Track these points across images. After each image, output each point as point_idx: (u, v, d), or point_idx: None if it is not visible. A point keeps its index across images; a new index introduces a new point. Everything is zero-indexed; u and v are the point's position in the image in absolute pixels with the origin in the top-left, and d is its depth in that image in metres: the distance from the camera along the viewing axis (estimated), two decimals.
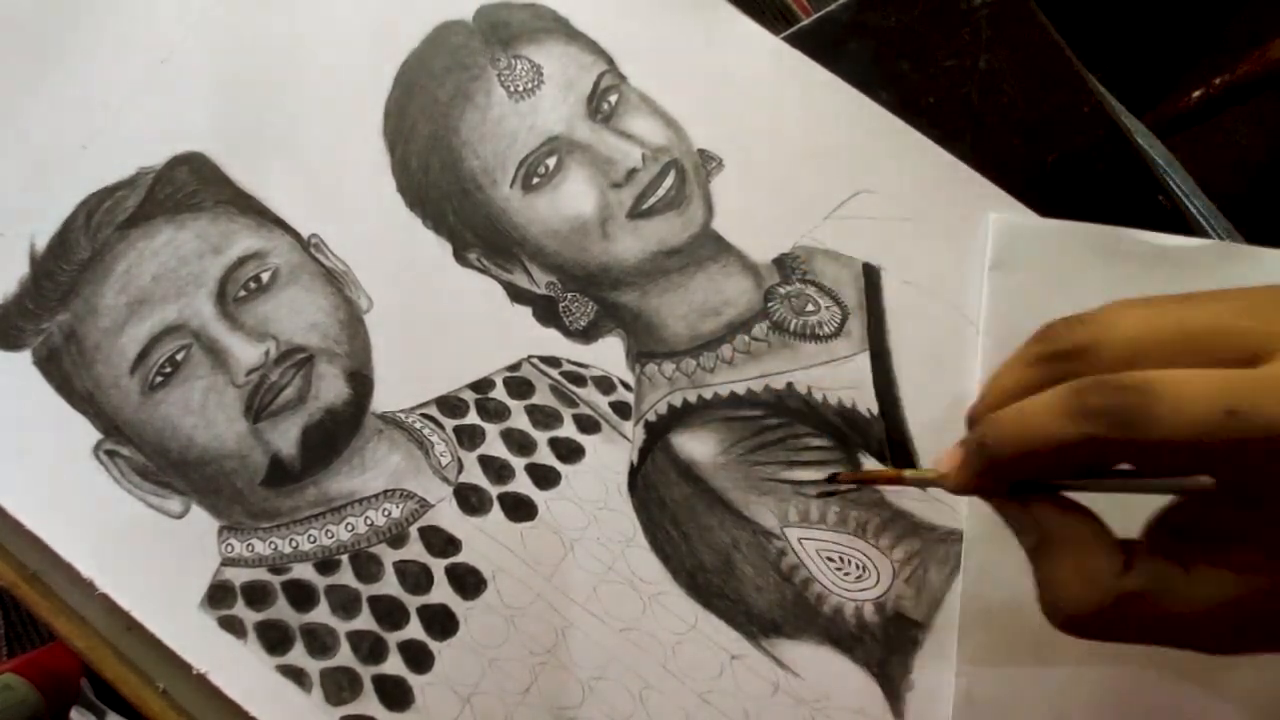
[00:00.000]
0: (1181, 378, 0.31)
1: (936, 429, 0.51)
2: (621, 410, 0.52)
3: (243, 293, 0.51)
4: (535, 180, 0.53)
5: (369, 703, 0.48)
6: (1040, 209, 0.53)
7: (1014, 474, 0.35)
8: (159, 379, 0.50)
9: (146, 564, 0.49)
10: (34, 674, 0.68)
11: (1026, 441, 0.33)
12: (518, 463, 0.51)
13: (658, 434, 0.51)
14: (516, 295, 0.53)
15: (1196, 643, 0.34)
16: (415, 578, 0.50)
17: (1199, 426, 0.30)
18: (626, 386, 0.52)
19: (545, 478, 0.51)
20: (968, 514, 0.50)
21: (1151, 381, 0.31)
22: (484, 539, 0.50)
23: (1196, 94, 0.60)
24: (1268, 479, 0.31)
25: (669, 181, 0.53)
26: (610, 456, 0.51)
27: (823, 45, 0.55)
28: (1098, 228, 0.52)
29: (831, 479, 0.49)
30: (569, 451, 0.51)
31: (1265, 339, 0.31)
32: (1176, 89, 0.61)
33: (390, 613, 0.49)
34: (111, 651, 0.49)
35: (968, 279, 0.53)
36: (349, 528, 0.50)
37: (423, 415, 0.51)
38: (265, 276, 0.52)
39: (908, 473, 0.41)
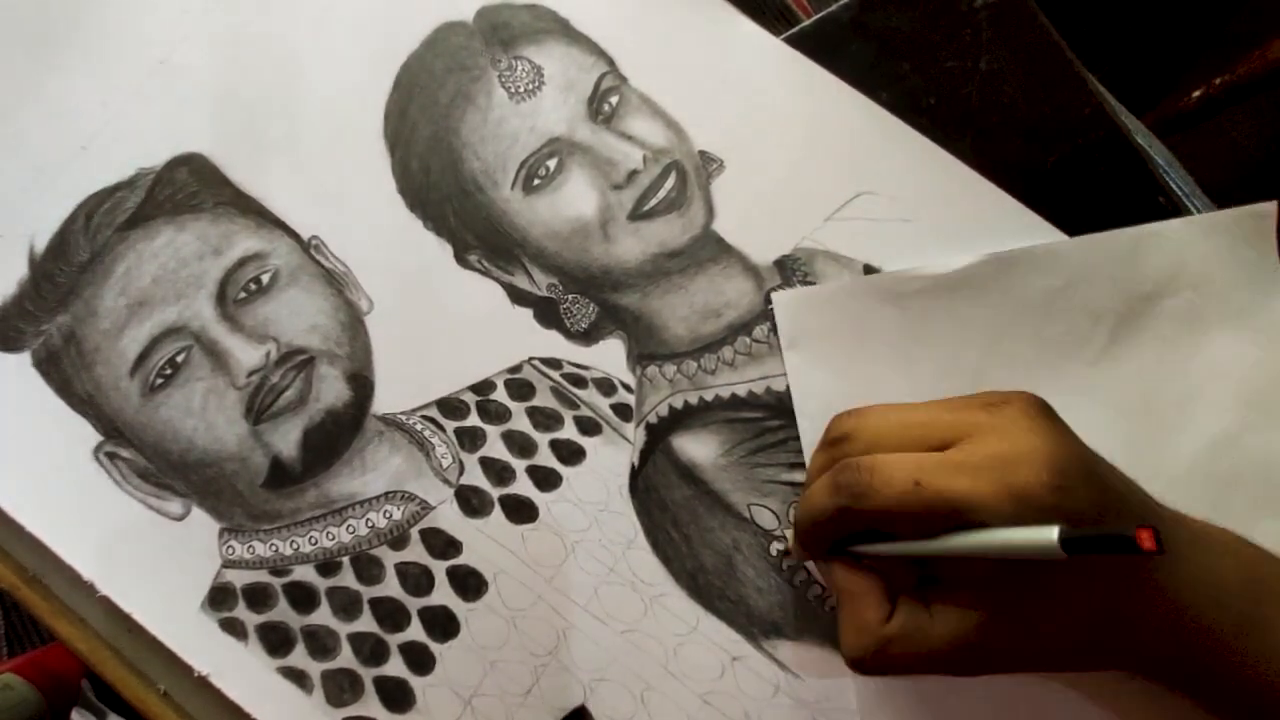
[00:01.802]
0: (891, 459, 0.40)
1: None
2: (622, 412, 0.52)
3: (243, 294, 0.51)
4: (536, 182, 0.53)
5: (370, 704, 0.48)
6: (1041, 209, 0.53)
7: (816, 540, 0.43)
8: (159, 381, 0.50)
9: (147, 566, 0.49)
10: (34, 674, 0.68)
11: (811, 514, 0.43)
12: (519, 464, 0.51)
13: (659, 436, 0.51)
14: (517, 297, 0.52)
15: (949, 669, 0.41)
16: (416, 579, 0.50)
17: (898, 497, 0.39)
18: (627, 388, 0.52)
19: (546, 479, 0.51)
20: None
21: (874, 461, 0.40)
22: (485, 541, 0.50)
23: (1196, 94, 0.59)
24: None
25: (670, 183, 0.53)
26: (611, 458, 0.51)
27: (823, 46, 0.55)
28: (876, 277, 0.52)
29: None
30: (570, 453, 0.51)
31: (953, 429, 0.40)
32: (1176, 89, 0.61)
33: (391, 614, 0.49)
34: (112, 653, 0.49)
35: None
36: (350, 530, 0.50)
37: (424, 417, 0.51)
38: (265, 278, 0.52)
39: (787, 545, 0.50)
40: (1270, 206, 0.49)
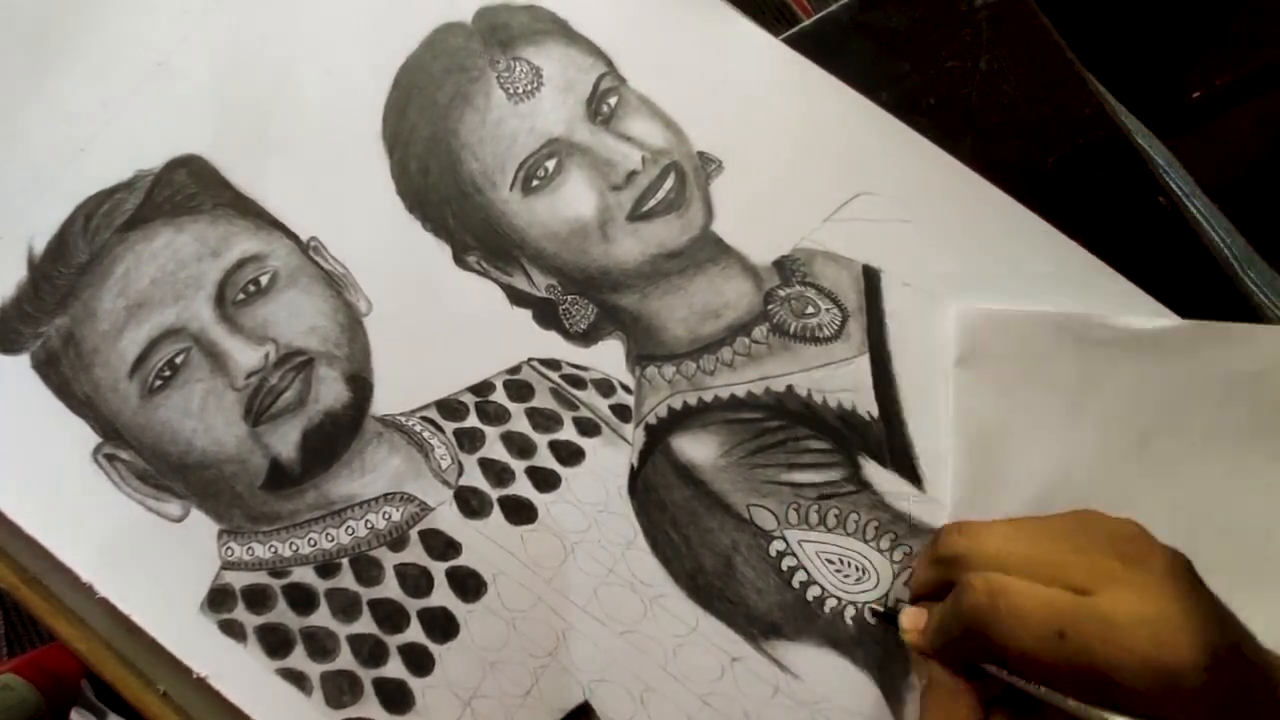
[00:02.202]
0: (1022, 588, 0.38)
1: (936, 432, 0.51)
2: (621, 413, 0.52)
3: (242, 296, 0.51)
4: (535, 183, 0.53)
5: (370, 706, 0.48)
6: (1040, 209, 0.53)
7: (930, 648, 0.43)
8: (158, 382, 0.50)
9: (146, 568, 0.49)
10: (34, 674, 0.68)
11: (932, 632, 0.43)
12: (518, 465, 0.51)
13: (658, 436, 0.51)
14: (516, 298, 0.52)
15: None
16: (416, 581, 0.50)
17: (1037, 643, 0.37)
18: (626, 389, 0.52)
19: (545, 480, 0.51)
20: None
21: (1003, 585, 0.38)
22: (484, 542, 0.50)
23: (1196, 94, 0.59)
24: (1087, 695, 0.36)
25: (669, 184, 0.53)
26: (610, 459, 0.51)
27: (823, 46, 0.55)
28: (1066, 314, 0.51)
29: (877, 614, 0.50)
30: (569, 454, 0.51)
31: (1086, 575, 0.38)
32: (1176, 89, 0.61)
33: (391, 616, 0.49)
34: (112, 653, 0.49)
35: (967, 282, 0.52)
36: (349, 531, 0.50)
37: (423, 418, 0.51)
38: (264, 279, 0.52)
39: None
40: None
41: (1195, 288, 0.52)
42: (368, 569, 0.50)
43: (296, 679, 0.48)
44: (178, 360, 0.50)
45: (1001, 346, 0.50)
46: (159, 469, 0.50)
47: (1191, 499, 0.38)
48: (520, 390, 0.52)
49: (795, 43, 0.55)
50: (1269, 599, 0.42)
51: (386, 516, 0.50)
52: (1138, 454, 0.43)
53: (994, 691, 0.41)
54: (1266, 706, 0.36)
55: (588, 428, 0.52)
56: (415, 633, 0.49)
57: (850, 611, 0.50)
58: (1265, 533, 0.42)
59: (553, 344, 0.52)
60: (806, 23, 0.57)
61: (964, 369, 0.51)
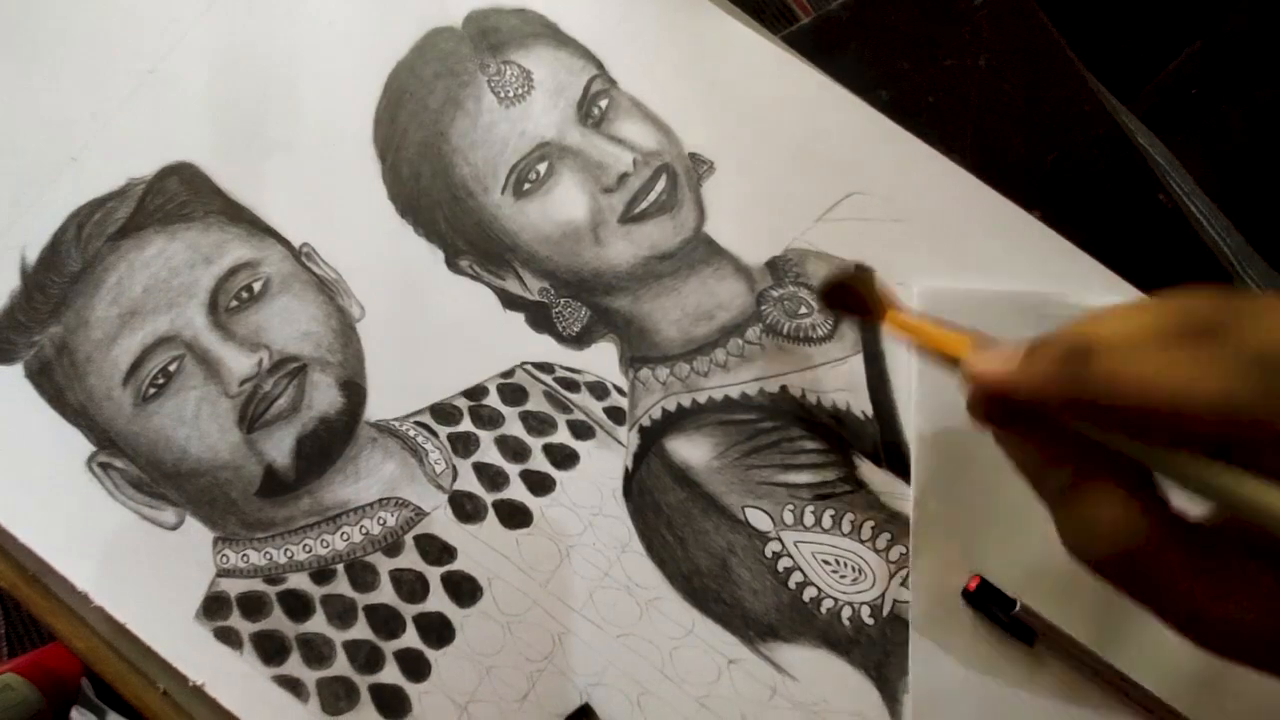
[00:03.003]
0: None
1: (932, 430, 0.51)
2: (616, 415, 0.51)
3: (235, 303, 0.51)
4: (526, 186, 0.52)
5: (366, 712, 0.48)
6: (1039, 207, 0.52)
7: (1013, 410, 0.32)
8: (152, 390, 0.50)
9: (142, 576, 0.49)
10: (34, 674, 0.69)
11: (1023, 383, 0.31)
12: (512, 469, 0.51)
13: (652, 439, 0.51)
14: (509, 302, 0.52)
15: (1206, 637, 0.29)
16: (411, 586, 0.50)
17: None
18: (620, 391, 0.52)
19: (540, 484, 0.51)
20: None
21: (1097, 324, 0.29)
22: (480, 546, 0.50)
23: (1195, 91, 0.59)
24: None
25: (660, 185, 0.52)
26: (605, 462, 0.51)
27: (823, 44, 0.55)
28: (1025, 292, 0.51)
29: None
30: (563, 457, 0.51)
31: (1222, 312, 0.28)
32: (1176, 86, 0.61)
33: (386, 621, 0.49)
34: (112, 652, 0.50)
35: (960, 281, 0.52)
36: (344, 537, 0.50)
37: (417, 423, 0.51)
38: (257, 286, 0.52)
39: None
40: None
41: (1194, 285, 0.51)
42: (363, 575, 0.50)
43: (292, 686, 0.49)
44: (171, 368, 0.50)
45: (962, 322, 0.50)
46: (153, 477, 0.50)
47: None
48: (514, 394, 0.52)
49: (795, 42, 0.55)
50: None
51: (381, 522, 0.50)
52: None
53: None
54: None
55: (582, 431, 0.51)
56: (411, 638, 0.49)
57: (847, 612, 0.50)
58: None
59: (546, 347, 0.52)
60: (806, 22, 0.57)
61: None
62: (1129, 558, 0.30)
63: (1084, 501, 0.30)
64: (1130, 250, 0.51)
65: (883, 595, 0.50)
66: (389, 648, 0.49)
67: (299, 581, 0.50)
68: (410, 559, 0.50)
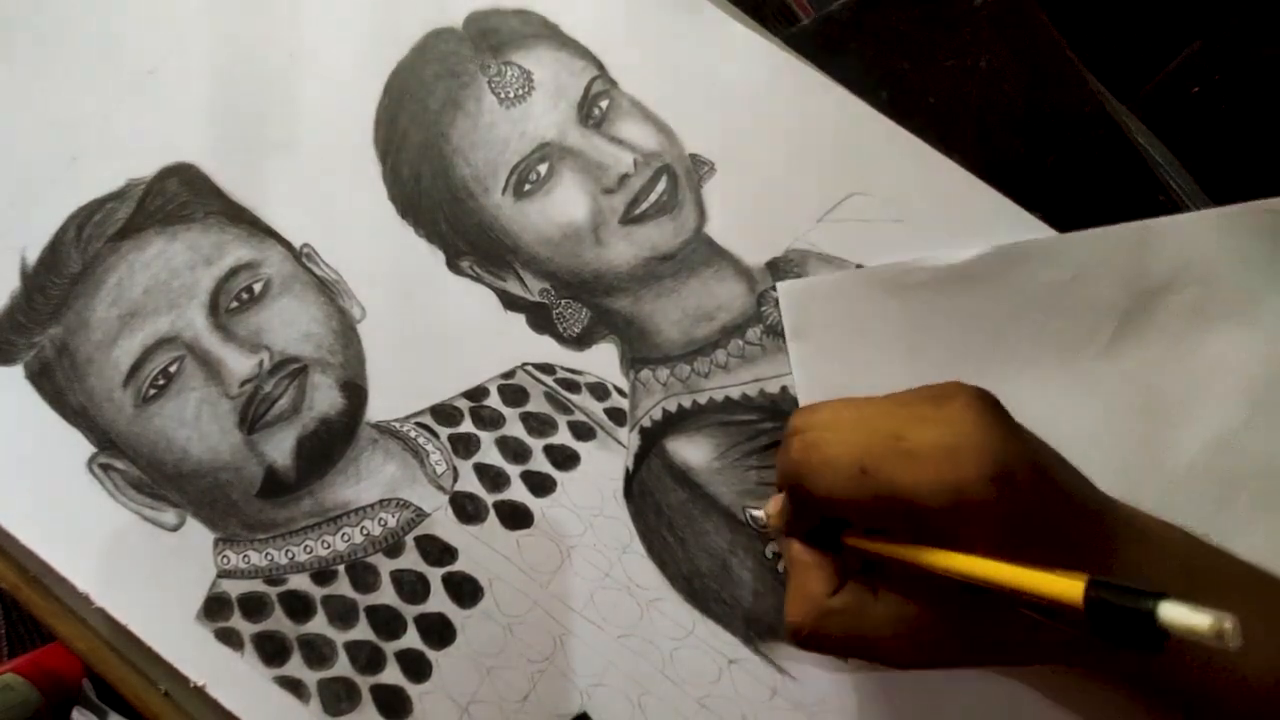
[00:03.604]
0: (833, 439, 0.40)
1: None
2: (616, 416, 0.51)
3: (235, 304, 0.51)
4: (527, 187, 0.52)
5: (367, 713, 0.49)
6: (1040, 208, 0.52)
7: (780, 521, 0.45)
8: (152, 391, 0.50)
9: (142, 577, 0.49)
10: (34, 674, 0.69)
11: (774, 499, 0.45)
12: (513, 470, 0.51)
13: (653, 439, 0.51)
14: (510, 303, 0.52)
15: (884, 656, 0.41)
16: (412, 587, 0.50)
17: (843, 483, 0.39)
18: (621, 392, 0.52)
19: (541, 485, 0.51)
20: None
21: (816, 438, 0.40)
22: (480, 547, 0.50)
23: (1195, 89, 0.59)
24: (901, 528, 0.39)
25: (661, 186, 0.52)
26: (606, 463, 0.51)
27: (823, 45, 0.55)
28: (880, 268, 0.51)
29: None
30: (564, 458, 0.51)
31: (903, 422, 0.39)
32: (1176, 86, 0.61)
33: (387, 622, 0.49)
34: (112, 653, 0.50)
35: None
36: (345, 538, 0.50)
37: (417, 424, 0.51)
38: (257, 287, 0.52)
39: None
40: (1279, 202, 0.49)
41: None
42: (364, 575, 0.50)
43: (294, 686, 0.49)
44: (172, 369, 0.50)
45: (827, 313, 0.51)
46: (154, 478, 0.50)
47: (1030, 416, 0.40)
48: (515, 395, 0.52)
49: (795, 42, 0.55)
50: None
51: (382, 523, 0.50)
52: (974, 382, 0.44)
53: (853, 568, 0.42)
54: (1068, 528, 0.38)
55: (583, 432, 0.51)
56: (412, 639, 0.49)
57: None
58: (1100, 433, 0.45)
59: (547, 348, 0.52)
60: (806, 22, 0.56)
61: (798, 342, 0.52)
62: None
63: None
64: None
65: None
66: (390, 648, 0.49)
67: (300, 582, 0.50)
68: (411, 560, 0.50)
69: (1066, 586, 0.32)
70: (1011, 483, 0.36)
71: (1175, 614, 0.28)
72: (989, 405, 0.39)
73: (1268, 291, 0.50)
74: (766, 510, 0.47)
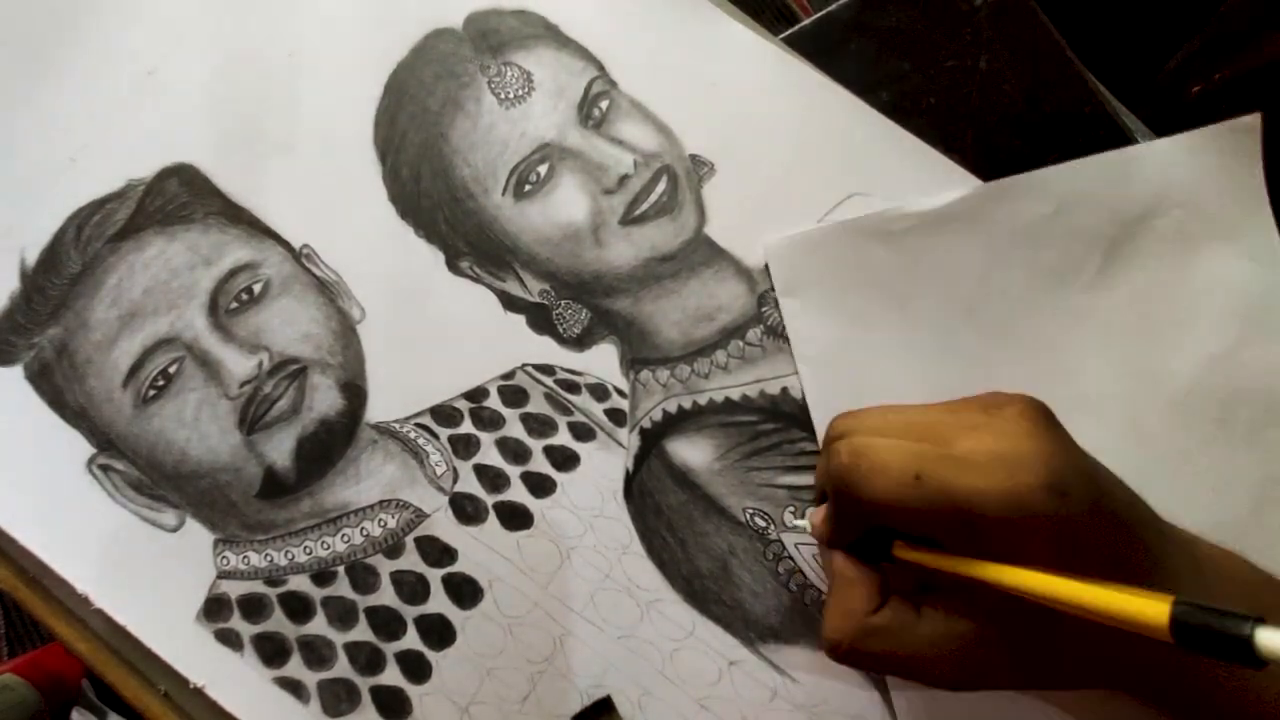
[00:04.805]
0: (883, 444, 0.39)
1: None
2: (616, 417, 0.51)
3: (235, 304, 0.51)
4: (527, 188, 0.52)
5: (367, 714, 0.48)
6: None
7: (821, 531, 0.44)
8: (152, 392, 0.50)
9: (142, 578, 0.49)
10: (34, 674, 0.69)
11: (817, 506, 0.45)
12: (513, 471, 0.51)
13: (653, 440, 0.51)
14: (510, 303, 0.52)
15: (927, 676, 0.40)
16: (412, 588, 0.50)
17: (896, 489, 0.38)
18: (621, 393, 0.52)
19: (541, 486, 0.51)
20: None
21: (864, 444, 0.39)
22: (480, 548, 0.50)
23: (1196, 89, 0.59)
24: (953, 538, 0.38)
25: (661, 187, 0.52)
26: (606, 464, 0.51)
27: (823, 45, 0.55)
28: (864, 217, 0.51)
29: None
30: (564, 459, 0.51)
31: (953, 430, 0.39)
32: (1176, 86, 0.61)
33: (387, 623, 0.49)
34: (112, 655, 0.49)
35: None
36: (345, 539, 0.50)
37: (417, 425, 0.51)
38: (257, 288, 0.51)
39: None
40: (1253, 120, 0.49)
41: None
42: (364, 576, 0.50)
43: (293, 688, 0.49)
44: (171, 370, 0.50)
45: (814, 266, 0.51)
46: (154, 479, 0.50)
47: (1028, 352, 0.40)
48: (515, 396, 0.52)
49: (795, 42, 0.55)
50: (1107, 426, 0.48)
51: (382, 524, 0.50)
52: (968, 324, 0.44)
53: (898, 586, 0.42)
54: (1121, 546, 0.37)
55: (582, 432, 0.51)
56: (412, 640, 0.49)
57: None
58: (1097, 363, 0.45)
59: (547, 349, 0.52)
60: (806, 22, 0.56)
61: (788, 298, 0.52)
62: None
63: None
64: None
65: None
66: (390, 649, 0.49)
67: (300, 583, 0.50)
68: (411, 560, 0.50)
69: (1150, 607, 0.31)
70: (1068, 495, 0.36)
71: (1273, 639, 0.28)
72: (1043, 414, 0.39)
73: (1247, 209, 0.50)
74: (810, 519, 0.47)
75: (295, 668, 0.49)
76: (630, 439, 0.51)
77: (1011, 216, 0.51)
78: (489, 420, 0.51)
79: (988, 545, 0.37)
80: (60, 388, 0.50)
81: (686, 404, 0.51)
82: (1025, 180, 0.51)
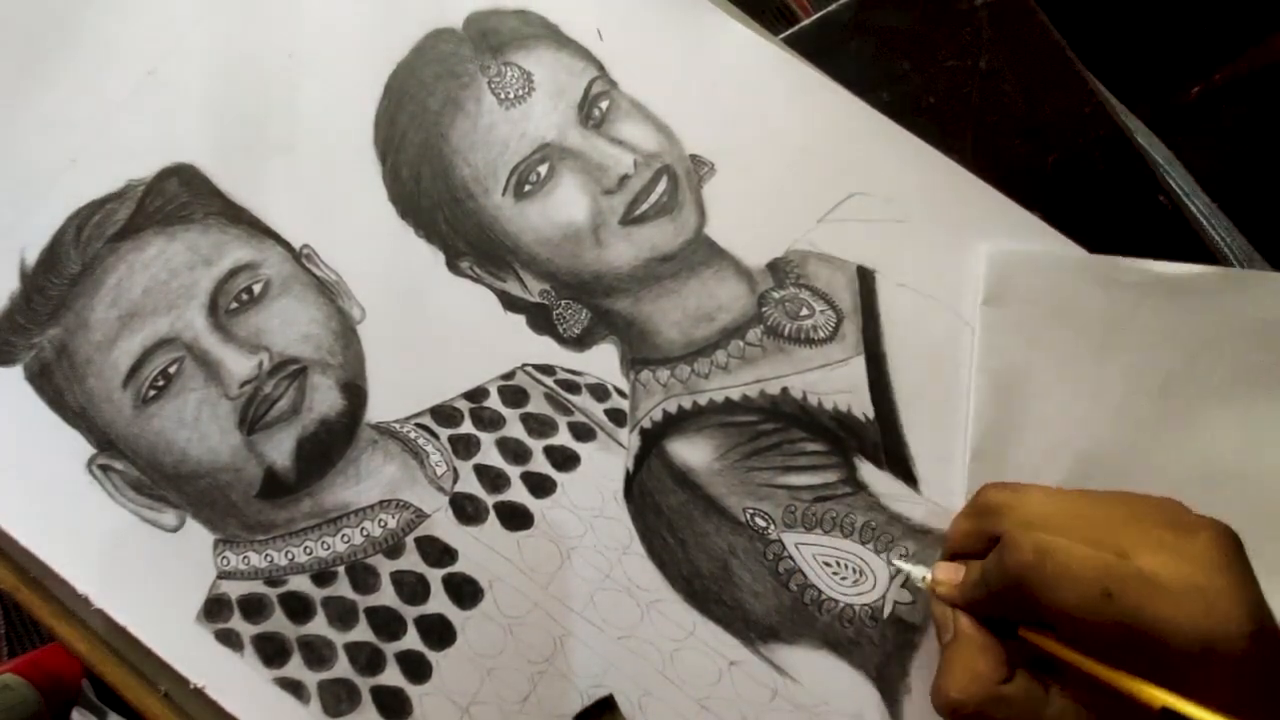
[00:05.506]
0: (1072, 549, 0.37)
1: (932, 432, 0.51)
2: (616, 417, 0.51)
3: (235, 304, 0.51)
4: (527, 188, 0.52)
5: (367, 714, 0.48)
6: (1040, 208, 0.52)
7: (964, 604, 0.43)
8: (152, 392, 0.50)
9: (142, 578, 0.49)
10: (34, 674, 0.69)
11: (969, 586, 0.43)
12: (513, 471, 0.51)
13: (653, 441, 0.51)
14: (510, 303, 0.52)
15: None
16: (412, 588, 0.50)
17: (1083, 602, 0.36)
18: (621, 393, 0.52)
19: (541, 486, 0.51)
20: None
21: (1049, 545, 0.38)
22: (481, 548, 0.50)
23: (1196, 89, 0.59)
24: (1121, 654, 0.36)
25: (661, 187, 0.52)
26: (606, 464, 0.51)
27: (823, 45, 0.55)
28: (1095, 257, 0.51)
29: None
30: (564, 459, 0.51)
31: (1132, 541, 0.38)
32: (1176, 86, 0.61)
33: (388, 623, 0.49)
34: (112, 655, 0.49)
35: (963, 281, 0.52)
36: (345, 539, 0.50)
37: (417, 425, 0.51)
38: (257, 288, 0.51)
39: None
40: None
41: None
42: (364, 577, 0.50)
43: (294, 688, 0.48)
44: (171, 370, 0.50)
45: (1029, 286, 0.51)
46: (154, 479, 0.50)
47: (1208, 447, 0.39)
48: (515, 396, 0.52)
49: (795, 42, 0.55)
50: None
51: (382, 524, 0.50)
52: (1158, 399, 0.43)
53: (1017, 654, 0.41)
54: None
55: (583, 433, 0.51)
56: (412, 640, 0.49)
57: (848, 614, 0.50)
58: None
59: (547, 349, 0.52)
60: (806, 22, 0.56)
61: (991, 307, 0.51)
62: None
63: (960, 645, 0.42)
64: (1131, 251, 0.51)
65: (883, 597, 0.50)
66: (390, 649, 0.49)
67: (300, 583, 0.50)
68: (411, 561, 0.50)
69: None
70: (1265, 642, 0.35)
71: None
72: (1236, 546, 0.37)
73: None
74: (935, 576, 0.46)
75: (295, 668, 0.49)
76: (630, 439, 0.51)
77: (1240, 308, 0.50)
78: (489, 420, 0.51)
79: (1157, 669, 0.35)
80: (60, 388, 0.50)
81: (686, 404, 0.51)
82: (1266, 279, 0.50)
